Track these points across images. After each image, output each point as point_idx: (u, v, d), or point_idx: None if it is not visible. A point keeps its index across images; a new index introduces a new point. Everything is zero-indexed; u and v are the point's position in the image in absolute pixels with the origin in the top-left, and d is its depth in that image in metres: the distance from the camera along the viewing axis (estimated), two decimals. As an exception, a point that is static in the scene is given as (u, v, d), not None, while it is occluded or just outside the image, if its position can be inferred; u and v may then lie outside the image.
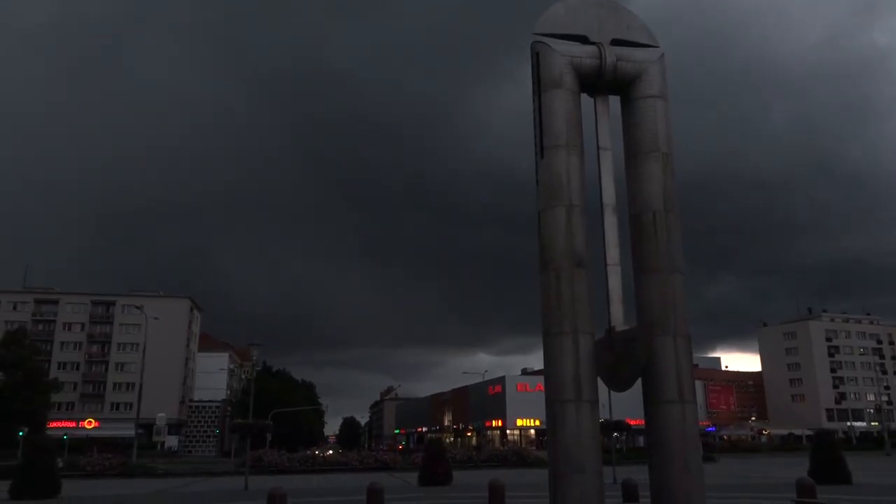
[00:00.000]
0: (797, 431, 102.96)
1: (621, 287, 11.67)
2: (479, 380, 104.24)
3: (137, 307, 76.37)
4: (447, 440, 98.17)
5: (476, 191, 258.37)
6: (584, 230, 11.55)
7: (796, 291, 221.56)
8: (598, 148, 12.19)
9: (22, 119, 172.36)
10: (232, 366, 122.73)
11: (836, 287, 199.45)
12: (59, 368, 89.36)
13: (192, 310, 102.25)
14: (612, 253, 11.74)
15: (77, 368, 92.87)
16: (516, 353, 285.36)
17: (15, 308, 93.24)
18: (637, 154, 12.09)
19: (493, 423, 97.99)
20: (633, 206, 12.07)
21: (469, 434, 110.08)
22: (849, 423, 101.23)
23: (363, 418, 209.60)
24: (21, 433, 56.15)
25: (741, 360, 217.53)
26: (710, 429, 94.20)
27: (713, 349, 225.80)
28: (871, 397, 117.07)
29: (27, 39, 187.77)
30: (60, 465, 27.09)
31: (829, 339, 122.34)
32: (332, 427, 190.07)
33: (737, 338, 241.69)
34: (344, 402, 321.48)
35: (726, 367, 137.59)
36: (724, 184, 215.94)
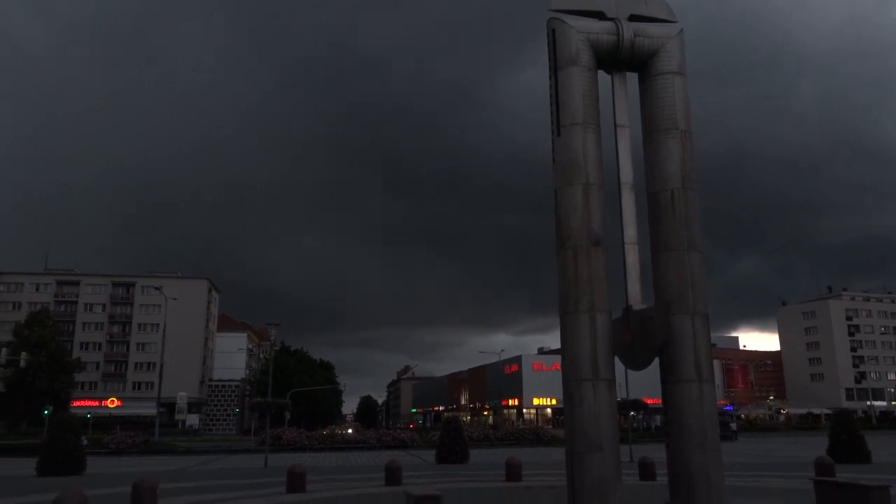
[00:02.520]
0: (816, 410, 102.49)
1: (639, 265, 11.61)
2: (496, 359, 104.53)
3: (156, 288, 77.23)
4: (464, 419, 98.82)
5: (500, 172, 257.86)
6: (602, 208, 11.48)
7: (819, 271, 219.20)
8: (615, 125, 12.08)
9: (56, 107, 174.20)
10: (250, 346, 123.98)
11: (861, 266, 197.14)
12: (81, 349, 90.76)
13: (210, 290, 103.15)
14: (630, 231, 11.67)
15: (99, 348, 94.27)
16: (534, 333, 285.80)
17: (37, 289, 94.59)
18: (655, 131, 11.97)
19: (510, 402, 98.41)
20: (651, 184, 11.97)
21: (486, 413, 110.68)
22: (869, 403, 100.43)
23: (380, 397, 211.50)
24: (46, 412, 57.28)
25: (760, 340, 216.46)
26: (727, 408, 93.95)
27: (733, 329, 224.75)
28: (891, 376, 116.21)
29: (68, 32, 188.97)
30: (85, 442, 27.56)
31: (849, 319, 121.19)
32: (349, 406, 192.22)
33: (757, 317, 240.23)
34: (362, 382, 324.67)
35: (744, 346, 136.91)
36: (749, 162, 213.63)
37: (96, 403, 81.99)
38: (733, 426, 57.16)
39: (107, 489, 16.41)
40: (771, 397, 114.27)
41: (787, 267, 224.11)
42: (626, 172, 11.91)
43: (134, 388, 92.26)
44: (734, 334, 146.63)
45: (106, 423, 68.14)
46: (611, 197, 11.77)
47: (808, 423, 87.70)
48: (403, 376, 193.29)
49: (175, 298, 71.32)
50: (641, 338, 11.08)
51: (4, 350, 56.28)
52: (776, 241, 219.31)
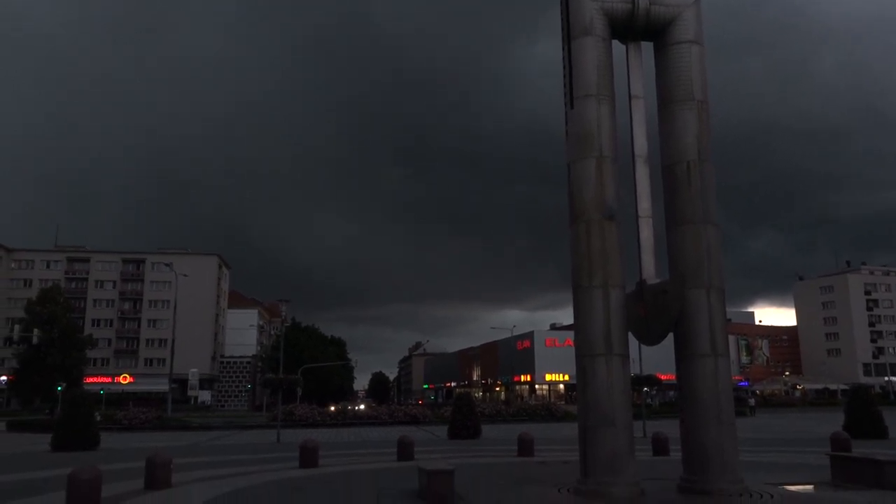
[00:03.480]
0: (832, 386, 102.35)
1: (653, 239, 11.58)
2: (508, 335, 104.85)
3: (167, 264, 77.72)
4: (476, 395, 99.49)
5: (514, 145, 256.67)
6: (615, 182, 11.44)
7: (838, 245, 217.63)
8: (629, 97, 11.99)
9: (71, 83, 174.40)
10: (261, 322, 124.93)
11: (881, 240, 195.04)
12: (92, 325, 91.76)
13: (220, 267, 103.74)
14: (644, 205, 11.63)
15: (110, 325, 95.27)
16: (547, 309, 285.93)
17: (48, 266, 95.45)
18: (670, 102, 11.86)
19: (522, 377, 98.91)
20: (667, 156, 11.89)
21: (498, 389, 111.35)
22: (886, 378, 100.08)
23: (392, 373, 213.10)
24: (59, 388, 58.15)
25: (777, 315, 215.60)
26: (742, 383, 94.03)
27: (750, 304, 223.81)
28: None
29: (81, 5, 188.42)
30: (98, 418, 27.99)
31: (867, 293, 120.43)
32: (361, 382, 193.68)
33: (774, 292, 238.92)
34: (373, 358, 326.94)
35: (760, 321, 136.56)
36: (767, 133, 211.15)
37: (109, 380, 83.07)
38: (751, 402, 57.14)
39: (121, 464, 16.70)
40: (787, 373, 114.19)
41: (805, 241, 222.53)
42: (641, 145, 11.84)
43: (146, 365, 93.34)
44: (750, 309, 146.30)
45: (118, 399, 69.17)
46: (625, 170, 11.72)
47: (824, 399, 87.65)
48: (415, 352, 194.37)
49: (185, 275, 71.71)
50: (655, 312, 11.09)
51: (17, 327, 57.01)
52: (794, 215, 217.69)
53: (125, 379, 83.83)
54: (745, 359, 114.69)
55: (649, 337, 11.35)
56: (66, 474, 10.42)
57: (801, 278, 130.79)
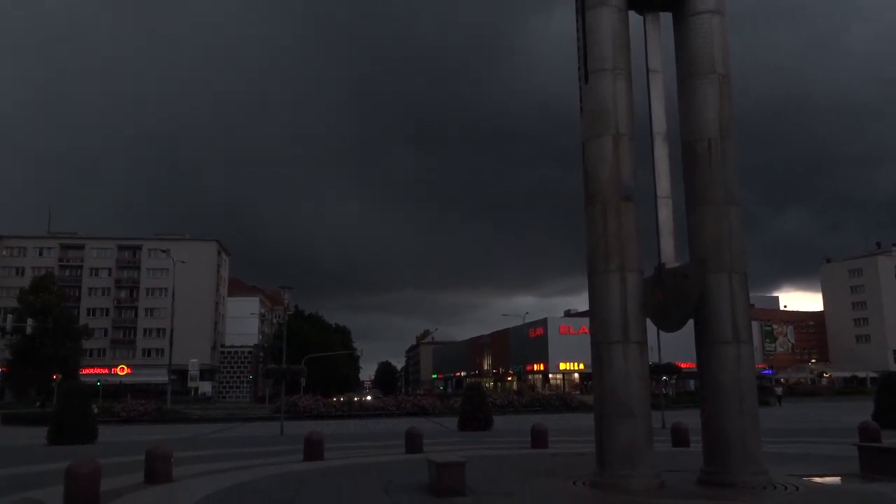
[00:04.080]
0: (861, 374, 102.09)
1: (672, 221, 11.56)
2: (520, 322, 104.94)
3: (164, 251, 78.14)
4: (487, 385, 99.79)
5: (528, 123, 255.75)
6: (633, 160, 11.39)
7: (869, 226, 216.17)
8: (647, 71, 11.91)
9: (64, 64, 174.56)
10: (263, 311, 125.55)
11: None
12: (88, 315, 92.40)
13: (219, 253, 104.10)
14: (663, 184, 11.59)
15: (106, 314, 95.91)
16: (562, 295, 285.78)
17: (41, 254, 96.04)
18: (690, 76, 11.78)
19: (535, 367, 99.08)
20: (687, 133, 11.83)
21: (509, 378, 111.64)
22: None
23: (399, 363, 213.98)
24: (54, 380, 58.77)
25: (803, 300, 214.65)
26: (766, 371, 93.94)
27: (775, 288, 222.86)
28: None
29: None
30: (95, 411, 28.29)
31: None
32: (367, 372, 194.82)
33: (800, 276, 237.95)
34: (379, 347, 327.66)
35: (785, 306, 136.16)
36: (794, 109, 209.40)
37: (105, 371, 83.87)
38: (778, 391, 57.01)
39: (120, 458, 16.89)
40: (813, 360, 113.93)
41: (833, 222, 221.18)
42: (659, 121, 11.78)
43: (144, 355, 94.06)
44: (774, 294, 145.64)
45: (116, 391, 69.81)
46: (642, 148, 11.67)
47: (852, 388, 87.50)
48: (423, 341, 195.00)
49: (183, 262, 72.12)
50: (675, 297, 11.09)
51: (10, 317, 57.54)
52: (822, 195, 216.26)
53: (122, 370, 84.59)
54: (768, 346, 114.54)
55: (668, 323, 11.36)
56: (63, 468, 10.55)
57: (828, 261, 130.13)
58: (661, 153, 11.68)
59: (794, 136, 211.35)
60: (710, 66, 11.62)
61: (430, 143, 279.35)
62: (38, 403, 55.70)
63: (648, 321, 11.38)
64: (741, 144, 12.10)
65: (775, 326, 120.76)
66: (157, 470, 12.54)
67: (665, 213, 11.53)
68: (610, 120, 11.29)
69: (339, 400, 48.05)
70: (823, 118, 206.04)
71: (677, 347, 28.61)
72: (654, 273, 11.38)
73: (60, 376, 60.01)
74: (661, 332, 13.77)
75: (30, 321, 56.40)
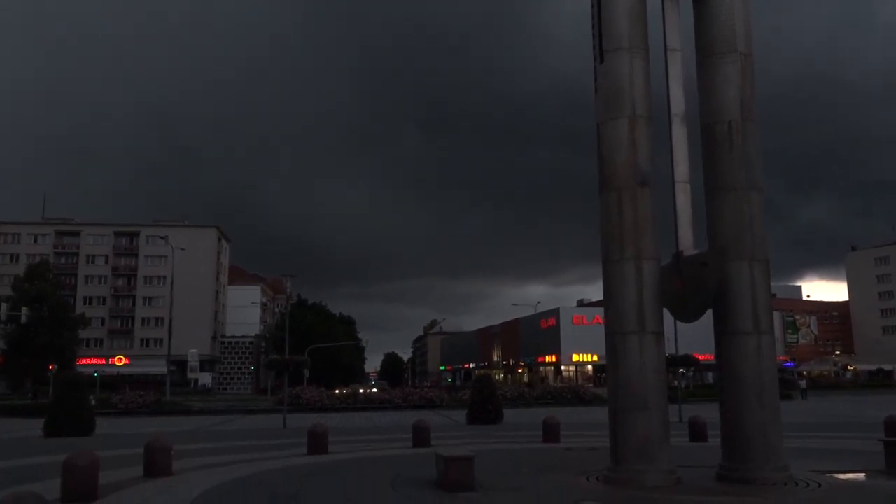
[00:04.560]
0: (887, 367, 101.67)
1: (691, 207, 11.53)
2: (531, 312, 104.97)
3: (162, 237, 78.48)
4: (496, 377, 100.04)
5: (542, 108, 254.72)
6: (650, 144, 11.35)
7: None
8: (665, 50, 11.84)
9: (61, 45, 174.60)
10: (264, 299, 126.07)
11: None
12: (84, 303, 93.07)
13: (219, 240, 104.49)
14: (681, 169, 11.55)
15: (103, 303, 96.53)
16: (574, 284, 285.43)
17: (35, 241, 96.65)
18: (711, 56, 11.71)
19: (547, 358, 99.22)
20: (706, 115, 11.77)
21: (520, 370, 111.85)
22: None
23: (405, 354, 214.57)
24: (49, 371, 59.20)
25: (827, 290, 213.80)
26: (788, 364, 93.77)
27: (798, 278, 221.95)
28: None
29: None
30: (93, 402, 28.52)
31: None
32: (372, 363, 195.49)
33: (824, 264, 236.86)
34: (385, 337, 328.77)
35: (808, 296, 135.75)
36: (821, 89, 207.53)
37: (103, 362, 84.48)
38: (802, 384, 56.79)
39: (118, 450, 17.04)
40: (837, 352, 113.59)
41: (860, 209, 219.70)
42: (678, 102, 11.72)
43: (142, 346, 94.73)
44: (797, 283, 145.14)
45: (114, 382, 70.29)
46: (660, 131, 11.61)
47: (877, 381, 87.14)
48: (430, 331, 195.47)
49: (182, 249, 72.43)
50: (693, 287, 11.07)
51: (4, 305, 57.93)
52: (848, 181, 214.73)
53: (120, 361, 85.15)
54: (790, 337, 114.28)
55: (686, 313, 11.35)
56: (60, 461, 10.66)
57: (854, 249, 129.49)
58: (680, 136, 11.63)
59: (820, 117, 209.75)
60: (730, 44, 11.54)
61: (440, 127, 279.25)
62: (29, 395, 56.15)
63: (665, 311, 11.38)
64: (763, 127, 12.04)
65: (798, 317, 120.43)
66: (156, 463, 12.66)
67: (683, 199, 11.50)
68: (626, 101, 11.24)
69: (343, 392, 48.31)
70: (851, 99, 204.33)
71: (695, 338, 28.56)
72: (672, 261, 11.36)
73: (56, 367, 60.46)
74: (679, 323, 13.76)
75: (24, 310, 56.80)
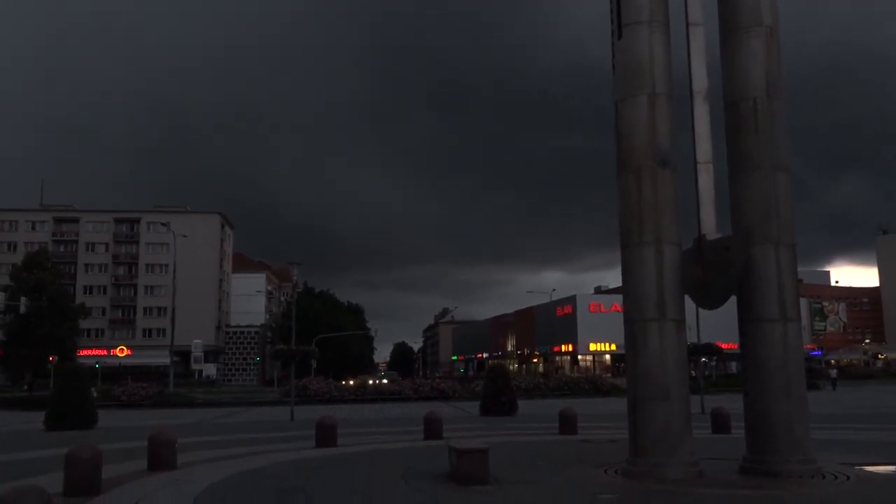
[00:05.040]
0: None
1: (714, 188, 11.45)
2: (547, 300, 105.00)
3: (163, 224, 78.87)
4: (510, 367, 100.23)
5: (558, 84, 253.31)
6: (670, 122, 11.28)
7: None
8: (686, 24, 11.74)
9: (58, 27, 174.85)
10: (270, 288, 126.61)
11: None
12: (85, 293, 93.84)
13: (223, 226, 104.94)
14: (704, 148, 11.48)
15: (104, 292, 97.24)
16: (592, 270, 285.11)
17: (33, 228, 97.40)
18: (735, 29, 11.60)
19: (563, 347, 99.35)
20: (730, 92, 11.69)
21: (535, 360, 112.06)
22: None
23: (416, 343, 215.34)
24: (50, 362, 59.74)
25: (856, 275, 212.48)
26: (815, 353, 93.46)
27: (827, 263, 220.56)
28: None
29: None
30: (95, 394, 28.78)
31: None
32: (382, 353, 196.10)
33: (853, 249, 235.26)
34: (395, 327, 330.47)
35: (836, 282, 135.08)
36: (853, 64, 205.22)
37: (104, 352, 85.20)
38: (833, 373, 56.51)
39: (121, 443, 17.21)
40: (867, 340, 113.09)
41: (891, 190, 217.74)
42: (700, 79, 11.63)
43: (144, 336, 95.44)
44: (825, 269, 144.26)
45: (115, 373, 70.92)
46: (681, 108, 11.53)
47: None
48: (442, 320, 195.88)
49: (185, 236, 72.69)
50: (716, 272, 11.03)
51: (2, 295, 58.48)
52: (880, 160, 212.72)
53: (122, 351, 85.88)
54: (818, 325, 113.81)
55: (708, 300, 11.31)
56: (62, 454, 10.78)
57: (884, 232, 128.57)
58: (702, 114, 11.55)
59: (851, 95, 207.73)
60: (756, 17, 11.43)
61: (453, 107, 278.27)
62: (25, 387, 56.64)
63: (687, 298, 11.35)
64: (791, 104, 11.93)
65: (825, 304, 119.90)
66: (160, 456, 12.77)
67: (705, 180, 11.43)
68: (645, 78, 11.17)
69: (352, 383, 48.54)
70: (883, 76, 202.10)
71: (718, 326, 28.49)
72: (694, 245, 11.31)
73: (57, 358, 61.03)
74: (701, 310, 13.72)
75: (23, 300, 57.27)
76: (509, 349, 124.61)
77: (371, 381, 54.17)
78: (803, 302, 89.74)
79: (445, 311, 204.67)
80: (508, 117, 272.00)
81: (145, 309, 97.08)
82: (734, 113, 11.58)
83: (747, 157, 11.38)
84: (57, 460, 11.40)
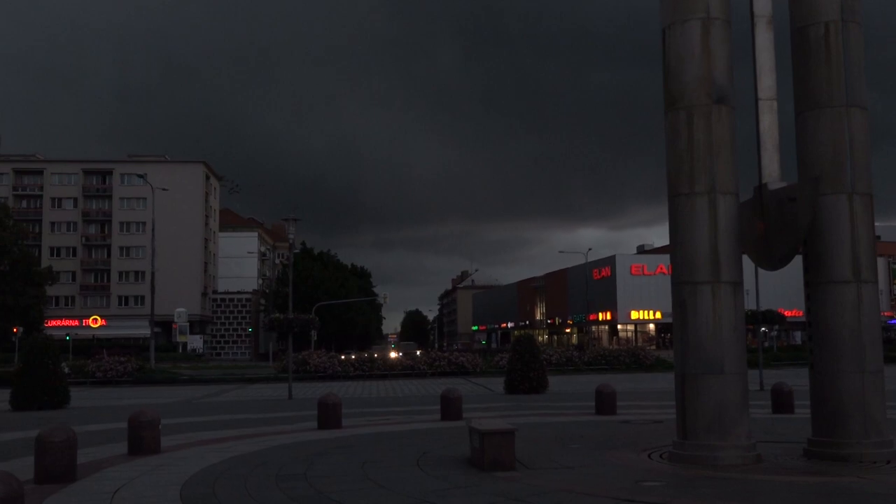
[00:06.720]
0: None
1: (778, 129, 11.34)
2: (582, 261, 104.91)
3: (140, 176, 78.99)
4: (540, 338, 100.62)
5: (600, 16, 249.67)
6: (728, 52, 11.15)
7: None
8: (748, -66, 11.52)
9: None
10: (263, 248, 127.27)
11: None
12: (52, 255, 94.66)
13: (208, 178, 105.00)
14: (767, 82, 11.34)
15: (73, 254, 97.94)
16: (634, 227, 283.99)
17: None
18: (805, -60, 11.38)
19: (600, 316, 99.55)
20: (797, 16, 11.52)
21: (568, 331, 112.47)
22: None
23: (430, 312, 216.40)
24: (14, 334, 60.57)
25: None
26: (893, 321, 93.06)
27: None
28: None
29: None
30: (66, 370, 29.22)
31: None
32: (392, 323, 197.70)
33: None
34: (407, 292, 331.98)
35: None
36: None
37: (76, 323, 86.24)
38: None
39: (97, 425, 17.53)
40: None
41: None
42: (763, 1, 11.45)
43: (120, 304, 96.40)
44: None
45: (89, 346, 71.91)
46: (740, 36, 11.38)
47: None
48: (460, 285, 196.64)
49: (165, 189, 72.98)
50: (779, 226, 10.97)
51: (-41, 258, 59.11)
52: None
53: (95, 322, 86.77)
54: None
55: (770, 259, 11.27)
56: (32, 437, 10.97)
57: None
58: (765, 42, 11.38)
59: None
60: (830, -74, 11.21)
61: (480, 40, 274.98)
62: None
63: (745, 256, 11.31)
64: (868, 30, 11.74)
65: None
66: (142, 439, 12.98)
67: (768, 120, 11.31)
68: None
69: (357, 357, 48.97)
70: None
71: (781, 291, 28.40)
72: (754, 195, 11.24)
73: (21, 330, 61.89)
74: (761, 271, 13.68)
75: (-18, 263, 57.93)
76: (538, 318, 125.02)
77: (379, 355, 54.06)
78: (881, 262, 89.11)
79: (465, 275, 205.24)
80: (544, 52, 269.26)
81: (121, 273, 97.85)
82: (802, 41, 11.41)
83: (817, 93, 11.24)
84: (26, 444, 11.63)
